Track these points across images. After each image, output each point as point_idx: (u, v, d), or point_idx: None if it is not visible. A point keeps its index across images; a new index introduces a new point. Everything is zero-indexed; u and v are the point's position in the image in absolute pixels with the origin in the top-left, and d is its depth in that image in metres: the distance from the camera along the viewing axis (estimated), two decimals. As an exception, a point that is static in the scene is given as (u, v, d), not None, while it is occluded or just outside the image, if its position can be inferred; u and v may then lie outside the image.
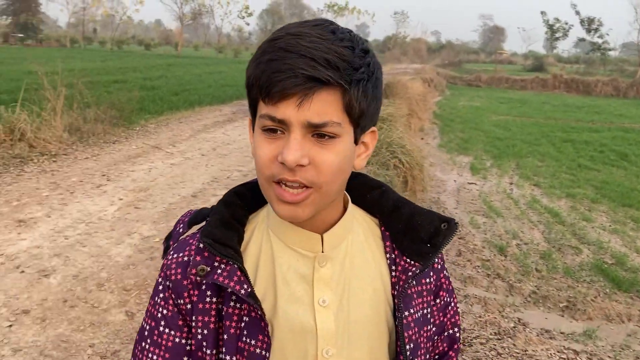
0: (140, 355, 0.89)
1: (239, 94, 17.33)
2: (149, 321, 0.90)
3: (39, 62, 9.58)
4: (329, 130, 0.77)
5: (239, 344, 0.84)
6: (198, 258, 0.84)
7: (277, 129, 0.77)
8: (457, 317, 1.02)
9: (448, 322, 1.00)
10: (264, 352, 0.83)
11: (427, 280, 0.94)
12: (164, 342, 0.88)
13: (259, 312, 0.83)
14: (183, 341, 0.88)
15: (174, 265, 0.87)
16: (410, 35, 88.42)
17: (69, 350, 3.24)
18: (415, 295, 0.91)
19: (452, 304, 1.01)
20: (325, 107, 0.76)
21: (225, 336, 0.85)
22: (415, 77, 23.73)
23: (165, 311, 0.88)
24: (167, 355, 0.88)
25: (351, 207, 0.92)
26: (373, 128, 0.87)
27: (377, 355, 0.90)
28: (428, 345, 0.94)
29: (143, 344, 0.90)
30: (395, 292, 0.89)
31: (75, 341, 3.33)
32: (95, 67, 25.47)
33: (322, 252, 0.88)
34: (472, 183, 8.75)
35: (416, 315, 0.90)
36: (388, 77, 19.10)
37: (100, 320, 3.57)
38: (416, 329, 0.90)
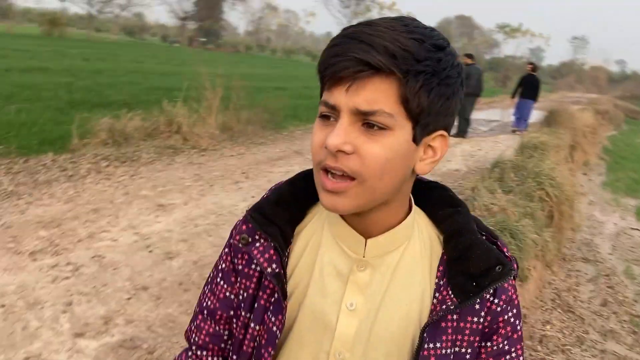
0: (202, 297, 0.98)
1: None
2: (214, 270, 0.97)
3: (212, 65, 10.37)
4: (379, 120, 0.74)
5: (264, 316, 0.87)
6: (244, 227, 0.90)
7: (330, 115, 0.77)
8: None
9: None
10: (277, 332, 0.86)
11: (475, 319, 0.85)
12: (217, 292, 0.95)
13: (282, 296, 0.85)
14: (232, 296, 0.93)
15: (236, 229, 0.93)
16: (589, 63, 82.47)
17: (173, 330, 3.42)
18: (450, 330, 0.84)
19: (512, 356, 0.89)
20: (376, 94, 0.73)
21: (256, 305, 0.89)
22: (587, 107, 22.09)
23: (224, 265, 0.94)
24: (217, 304, 0.94)
25: (413, 218, 0.88)
26: (443, 132, 0.81)
27: None
28: None
29: (205, 288, 0.98)
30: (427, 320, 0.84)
31: (181, 322, 3.51)
32: (261, 73, 27.14)
33: (364, 257, 0.86)
34: (636, 229, 7.86)
35: (443, 350, 0.83)
36: (553, 104, 17.96)
37: (207, 307, 3.74)
38: None
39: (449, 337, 0.84)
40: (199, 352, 0.98)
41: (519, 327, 0.90)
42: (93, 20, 68.97)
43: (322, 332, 0.86)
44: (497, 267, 0.83)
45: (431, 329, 0.83)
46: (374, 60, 0.71)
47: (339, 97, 0.74)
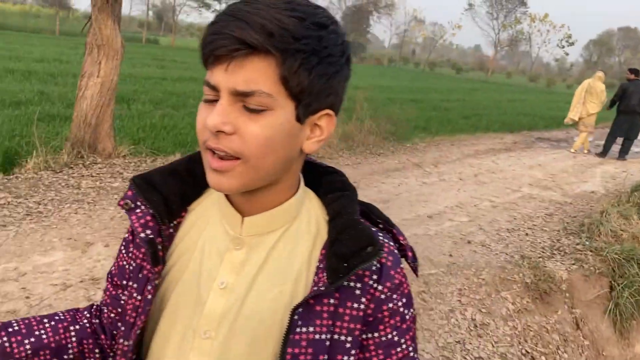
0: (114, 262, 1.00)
1: (531, 124, 16.53)
2: (123, 240, 0.99)
3: (352, 77, 10.59)
4: (258, 100, 0.73)
5: (145, 286, 0.88)
6: (129, 193, 0.88)
7: (211, 97, 0.76)
8: None
9: None
10: (148, 294, 0.86)
11: (355, 305, 0.81)
12: (118, 259, 0.98)
13: (153, 262, 0.84)
14: (126, 265, 0.94)
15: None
16: None
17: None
18: (326, 315, 0.80)
19: (402, 347, 0.85)
20: (254, 74, 0.72)
21: (140, 275, 0.89)
22: None
23: (127, 234, 0.97)
24: (116, 271, 0.97)
25: (299, 200, 0.86)
26: (329, 111, 0.80)
27: (256, 357, 0.82)
28: None
29: (117, 255, 0.99)
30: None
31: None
32: (400, 85, 27.10)
33: (241, 235, 0.85)
34: None
35: (317, 335, 0.79)
36: None
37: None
38: (310, 350, 0.79)
39: (324, 322, 0.80)
40: (99, 310, 1.02)
41: (407, 317, 0.86)
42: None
43: (193, 309, 0.84)
44: (369, 248, 0.79)
45: (304, 312, 0.79)
46: (249, 38, 0.70)
47: (219, 76, 0.73)
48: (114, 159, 6.09)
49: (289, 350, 0.79)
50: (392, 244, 0.87)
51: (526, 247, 5.47)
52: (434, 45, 78.18)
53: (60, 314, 0.99)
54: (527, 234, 5.90)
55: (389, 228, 0.89)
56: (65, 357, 0.96)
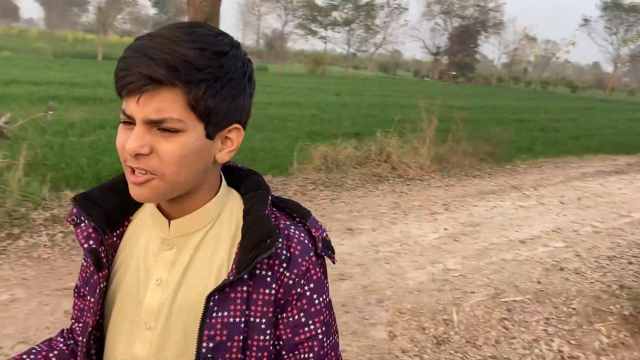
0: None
1: (651, 145, 15.30)
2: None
3: (457, 97, 10.48)
4: (170, 125, 0.82)
5: (95, 292, 0.97)
6: (74, 210, 0.98)
7: (128, 121, 0.84)
8: (314, 344, 0.95)
9: (301, 346, 0.95)
10: (99, 300, 0.96)
11: (267, 290, 0.91)
12: (81, 271, 1.08)
13: (97, 268, 0.94)
14: (85, 275, 1.05)
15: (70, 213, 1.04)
16: None
17: (321, 347, 3.55)
18: (239, 300, 0.90)
19: (309, 328, 0.95)
20: (164, 104, 0.81)
21: (92, 280, 0.98)
22: None
23: (86, 246, 1.03)
24: (80, 282, 1.08)
25: (220, 199, 0.96)
26: (237, 125, 0.90)
27: (191, 344, 0.90)
28: (259, 354, 0.92)
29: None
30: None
31: (331, 342, 3.62)
32: (507, 105, 26.18)
33: (169, 237, 0.94)
34: None
35: (231, 319, 0.89)
36: None
37: (363, 331, 3.79)
38: (225, 332, 0.89)
39: (238, 307, 0.89)
40: (73, 324, 1.12)
41: (317, 302, 0.94)
42: (353, 59, 74.58)
43: (136, 305, 0.94)
44: (268, 240, 0.88)
45: (220, 299, 0.89)
46: (155, 74, 0.78)
47: (132, 107, 0.81)
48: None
49: (205, 332, 0.88)
50: (302, 235, 0.95)
51: (628, 277, 5.06)
52: (546, 63, 74.89)
53: (37, 347, 1.08)
54: (630, 263, 5.45)
55: (303, 221, 0.97)
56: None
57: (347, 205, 6.49)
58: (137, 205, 1.00)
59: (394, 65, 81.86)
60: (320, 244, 0.95)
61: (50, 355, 1.07)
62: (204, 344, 0.88)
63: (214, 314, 0.89)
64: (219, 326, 0.89)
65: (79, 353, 1.01)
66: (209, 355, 0.89)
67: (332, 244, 1.00)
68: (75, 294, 1.08)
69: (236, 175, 1.03)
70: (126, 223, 1.01)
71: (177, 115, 0.81)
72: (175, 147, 0.82)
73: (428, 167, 8.49)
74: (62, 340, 1.12)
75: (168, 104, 0.80)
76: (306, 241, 0.95)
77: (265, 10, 53.08)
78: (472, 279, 4.74)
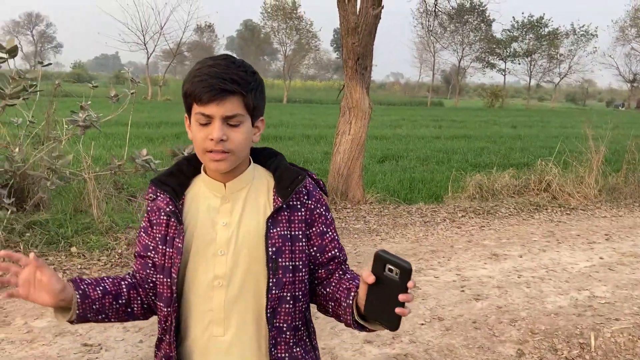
0: (136, 247, 1.53)
1: None
2: (139, 229, 1.52)
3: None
4: (237, 120, 1.33)
5: (173, 242, 1.41)
6: (150, 190, 1.48)
7: (206, 122, 1.32)
8: (335, 243, 1.49)
9: (327, 246, 1.47)
10: (181, 247, 1.40)
11: (299, 214, 1.43)
12: (141, 241, 1.50)
13: (178, 222, 1.40)
14: (149, 242, 1.47)
15: (146, 194, 1.52)
16: None
17: (446, 357, 3.77)
18: (284, 220, 1.41)
19: (330, 233, 1.48)
20: (233, 106, 1.31)
21: (167, 237, 1.43)
22: None
23: (143, 224, 1.50)
24: (141, 249, 1.50)
25: (252, 168, 1.46)
26: (262, 118, 1.44)
27: (255, 255, 1.40)
28: (301, 256, 1.42)
29: (137, 241, 1.53)
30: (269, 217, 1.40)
31: (458, 354, 3.81)
32: None
33: (225, 195, 1.42)
34: None
35: (281, 232, 1.39)
36: None
37: (490, 346, 3.91)
38: (279, 240, 1.39)
39: (284, 225, 1.40)
40: (134, 275, 1.52)
41: (329, 217, 1.48)
42: (537, 90, 71.14)
43: (209, 242, 1.40)
44: (299, 177, 1.42)
45: (272, 221, 1.39)
46: (228, 87, 1.29)
47: (213, 109, 1.30)
48: (361, 205, 6.91)
49: (269, 242, 1.38)
50: (309, 179, 1.47)
51: None
52: None
53: (112, 276, 1.50)
54: None
55: (305, 170, 1.49)
56: (120, 301, 1.45)
57: (497, 233, 6.52)
58: (185, 185, 1.46)
59: (583, 95, 76.33)
60: (321, 183, 1.51)
61: (122, 283, 1.48)
62: (270, 249, 1.37)
63: (272, 230, 1.38)
64: (276, 237, 1.38)
65: (161, 292, 1.43)
66: (273, 256, 1.37)
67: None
68: (137, 256, 1.50)
69: (255, 153, 1.53)
70: (183, 197, 1.45)
71: (241, 112, 1.32)
72: (241, 134, 1.33)
73: (594, 196, 8.08)
74: (128, 277, 1.52)
75: (235, 105, 1.31)
76: (313, 182, 1.48)
77: (441, 47, 53.32)
78: (620, 307, 4.55)
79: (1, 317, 3.98)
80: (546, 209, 7.60)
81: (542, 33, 52.52)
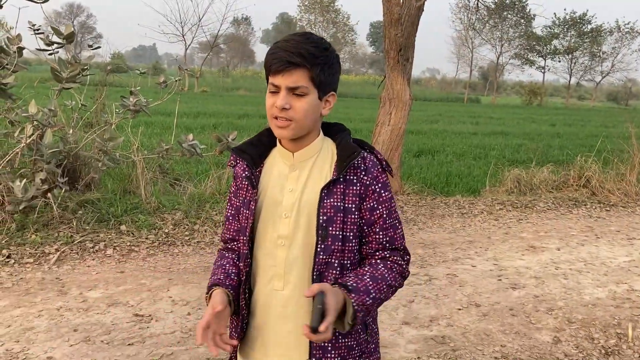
0: (225, 212, 1.70)
1: None
2: (229, 195, 1.68)
3: None
4: (301, 90, 1.43)
5: (249, 204, 1.56)
6: (232, 157, 1.64)
7: (275, 91, 1.45)
8: (387, 225, 1.53)
9: (376, 222, 1.52)
10: (253, 207, 1.55)
11: (354, 188, 1.50)
12: (231, 204, 1.66)
13: (252, 187, 1.55)
14: (238, 203, 1.63)
15: (229, 160, 1.67)
16: None
17: (483, 341, 3.84)
18: (339, 192, 1.49)
19: (380, 210, 1.52)
20: (298, 78, 1.42)
21: (245, 200, 1.58)
22: None
23: (232, 189, 1.66)
24: (232, 211, 1.66)
25: (320, 140, 1.56)
26: (333, 92, 1.52)
27: (313, 220, 1.50)
28: (352, 227, 1.50)
29: (227, 205, 1.69)
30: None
31: (494, 339, 3.88)
32: None
33: (293, 163, 1.55)
34: None
35: (334, 203, 1.48)
36: None
37: (526, 332, 3.97)
38: (332, 211, 1.48)
39: (339, 197, 1.49)
40: (228, 244, 1.68)
41: (383, 195, 1.52)
42: (577, 89, 69.61)
43: (277, 205, 1.54)
44: (355, 152, 1.48)
45: (326, 191, 1.48)
46: (294, 60, 1.40)
47: (279, 80, 1.42)
48: (398, 195, 6.98)
49: (321, 210, 1.48)
50: (371, 156, 1.55)
51: None
52: None
53: (226, 262, 1.64)
54: None
55: (372, 150, 1.58)
56: (237, 278, 1.60)
57: (534, 226, 6.53)
58: (266, 154, 1.60)
59: (626, 94, 74.34)
60: (384, 163, 1.56)
61: (236, 261, 1.64)
62: (321, 217, 1.48)
63: (325, 200, 1.48)
64: (328, 207, 1.48)
65: (241, 251, 1.59)
66: (324, 225, 1.48)
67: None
68: (229, 218, 1.66)
69: (327, 127, 1.63)
70: (261, 165, 1.59)
71: (305, 84, 1.42)
72: (304, 104, 1.43)
73: (635, 194, 7.99)
74: (234, 255, 1.66)
75: (300, 77, 1.41)
76: (375, 159, 1.55)
77: (480, 42, 52.60)
78: (660, 301, 4.55)
79: (58, 287, 4.22)
80: (585, 205, 7.55)
81: (585, 30, 51.31)
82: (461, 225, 6.36)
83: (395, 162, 7.01)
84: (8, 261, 4.59)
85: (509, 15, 48.45)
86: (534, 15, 49.04)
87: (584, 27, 51.95)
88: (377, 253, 1.54)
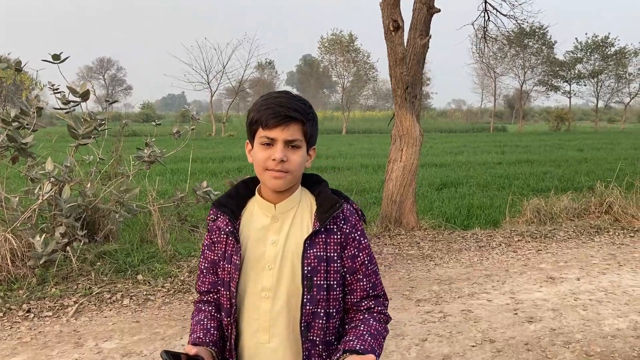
0: (199, 265, 1.72)
1: None
2: (202, 247, 1.70)
3: None
4: (296, 144, 1.51)
5: (232, 258, 1.58)
6: (211, 211, 1.67)
7: (269, 143, 1.51)
8: (369, 272, 1.61)
9: (359, 270, 1.59)
10: (238, 263, 1.57)
11: (335, 237, 1.57)
12: (206, 257, 1.68)
13: (236, 241, 1.58)
14: (213, 256, 1.66)
15: (209, 216, 1.70)
16: None
17: (496, 378, 3.77)
18: (321, 242, 1.55)
19: (362, 257, 1.60)
20: (295, 131, 1.51)
21: (226, 254, 1.61)
22: None
23: (206, 242, 1.69)
24: (207, 264, 1.68)
25: (299, 191, 1.63)
26: (314, 147, 1.62)
27: (296, 271, 1.55)
28: (335, 275, 1.56)
29: (200, 258, 1.72)
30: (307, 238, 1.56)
31: (508, 375, 3.81)
32: None
33: (275, 214, 1.60)
34: None
35: (317, 252, 1.54)
36: None
37: (541, 369, 3.89)
38: (315, 260, 1.54)
39: (321, 246, 1.55)
40: (204, 297, 1.70)
41: (363, 242, 1.60)
42: (607, 111, 68.57)
43: (260, 257, 1.57)
44: (337, 204, 1.56)
45: (309, 242, 1.54)
46: (292, 115, 1.49)
47: (276, 133, 1.49)
48: (415, 231, 6.96)
49: (305, 261, 1.52)
50: (348, 205, 1.62)
51: None
52: None
53: (205, 315, 1.66)
54: None
55: (347, 200, 1.64)
56: (217, 332, 1.63)
57: (554, 256, 6.41)
58: (243, 205, 1.65)
59: (656, 114, 72.91)
60: (360, 212, 1.65)
61: (217, 315, 1.66)
62: (305, 268, 1.52)
63: (308, 250, 1.53)
64: (312, 257, 1.53)
65: (223, 303, 1.61)
66: (308, 275, 1.52)
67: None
68: (204, 273, 1.68)
69: (305, 178, 1.69)
70: (240, 217, 1.63)
71: (300, 137, 1.51)
72: (298, 157, 1.51)
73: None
74: (212, 307, 1.68)
75: (296, 131, 1.50)
76: (352, 208, 1.63)
77: (502, 71, 52.48)
78: (683, 330, 4.40)
79: (75, 339, 4.31)
80: (607, 232, 7.39)
81: (608, 53, 50.79)
82: (478, 259, 6.29)
83: (410, 197, 7.02)
84: (28, 315, 4.71)
85: (530, 43, 48.39)
86: (555, 41, 48.89)
87: (607, 49, 51.48)
88: (363, 303, 1.59)
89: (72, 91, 5.61)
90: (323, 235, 1.54)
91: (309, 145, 1.56)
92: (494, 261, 6.24)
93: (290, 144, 1.48)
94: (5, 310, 4.74)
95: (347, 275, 1.58)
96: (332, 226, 1.55)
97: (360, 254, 1.59)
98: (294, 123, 1.48)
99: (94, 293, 5.14)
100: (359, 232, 1.59)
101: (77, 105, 5.68)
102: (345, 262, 1.57)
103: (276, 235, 1.57)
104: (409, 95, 6.69)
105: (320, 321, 1.53)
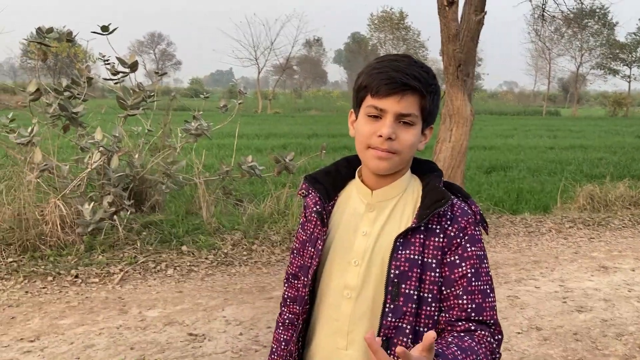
0: (294, 240, 1.50)
1: None
2: (298, 226, 1.49)
3: None
4: (410, 119, 1.23)
5: (317, 242, 1.36)
6: (303, 186, 1.40)
7: (378, 115, 1.24)
8: (473, 288, 1.24)
9: (458, 283, 1.25)
10: (320, 248, 1.34)
11: (436, 239, 1.26)
12: (298, 237, 1.48)
13: (322, 225, 1.34)
14: (303, 236, 1.44)
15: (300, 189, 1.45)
16: None
17: (542, 367, 3.65)
18: (417, 244, 1.25)
19: (464, 268, 1.24)
20: (410, 104, 1.22)
21: (312, 236, 1.39)
22: None
23: (301, 220, 1.47)
24: (298, 245, 1.47)
25: (407, 178, 1.34)
26: (431, 126, 1.32)
27: (385, 273, 1.27)
28: (431, 287, 1.25)
29: (295, 235, 1.50)
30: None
31: (554, 365, 3.68)
32: None
33: (370, 202, 1.33)
34: None
35: (410, 255, 1.25)
36: None
37: (591, 359, 3.73)
38: (406, 264, 1.24)
39: (417, 248, 1.25)
40: (291, 280, 1.50)
41: (469, 250, 1.25)
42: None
43: (347, 249, 1.32)
44: (442, 200, 1.24)
45: (403, 241, 1.25)
46: (411, 83, 1.21)
47: (388, 104, 1.21)
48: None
49: (393, 263, 1.24)
50: (463, 204, 1.30)
51: None
52: None
53: (284, 328, 1.50)
54: None
55: (465, 198, 1.33)
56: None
57: (607, 245, 6.15)
58: (341, 186, 1.40)
59: None
60: (478, 217, 1.30)
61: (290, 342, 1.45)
62: (392, 271, 1.24)
63: (400, 251, 1.24)
64: (403, 259, 1.24)
65: (299, 289, 1.42)
66: (395, 280, 1.24)
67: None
68: (293, 254, 1.49)
69: (416, 164, 1.39)
70: (335, 198, 1.39)
71: (416, 112, 1.23)
72: (411, 136, 1.23)
73: None
74: (291, 324, 1.49)
75: (412, 104, 1.22)
76: (466, 208, 1.29)
77: (558, 52, 50.63)
78: None
79: (120, 306, 4.40)
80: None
81: (673, 35, 48.33)
82: (527, 245, 6.10)
83: (458, 179, 6.83)
84: (76, 281, 4.84)
85: (589, 24, 46.43)
86: (616, 22, 46.75)
87: (672, 32, 48.91)
88: (460, 324, 1.23)
89: (121, 62, 5.66)
90: (421, 236, 1.25)
91: (426, 124, 1.27)
92: (543, 247, 6.03)
93: (402, 119, 1.21)
94: (55, 275, 4.88)
95: (443, 288, 1.25)
96: (434, 225, 1.25)
97: (463, 264, 1.24)
98: (411, 94, 1.20)
99: (139, 262, 5.23)
100: (467, 237, 1.25)
101: (126, 76, 5.74)
102: (443, 270, 1.25)
103: (369, 227, 1.30)
104: (460, 74, 6.48)
105: (405, 339, 1.24)
